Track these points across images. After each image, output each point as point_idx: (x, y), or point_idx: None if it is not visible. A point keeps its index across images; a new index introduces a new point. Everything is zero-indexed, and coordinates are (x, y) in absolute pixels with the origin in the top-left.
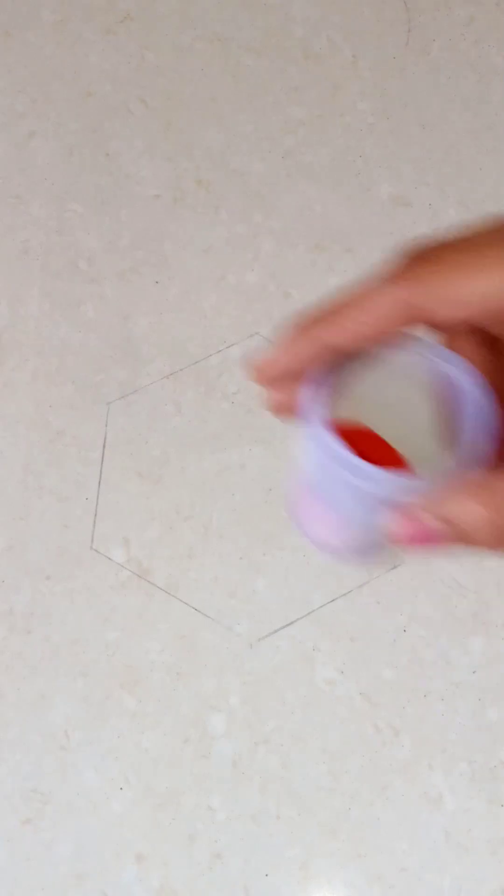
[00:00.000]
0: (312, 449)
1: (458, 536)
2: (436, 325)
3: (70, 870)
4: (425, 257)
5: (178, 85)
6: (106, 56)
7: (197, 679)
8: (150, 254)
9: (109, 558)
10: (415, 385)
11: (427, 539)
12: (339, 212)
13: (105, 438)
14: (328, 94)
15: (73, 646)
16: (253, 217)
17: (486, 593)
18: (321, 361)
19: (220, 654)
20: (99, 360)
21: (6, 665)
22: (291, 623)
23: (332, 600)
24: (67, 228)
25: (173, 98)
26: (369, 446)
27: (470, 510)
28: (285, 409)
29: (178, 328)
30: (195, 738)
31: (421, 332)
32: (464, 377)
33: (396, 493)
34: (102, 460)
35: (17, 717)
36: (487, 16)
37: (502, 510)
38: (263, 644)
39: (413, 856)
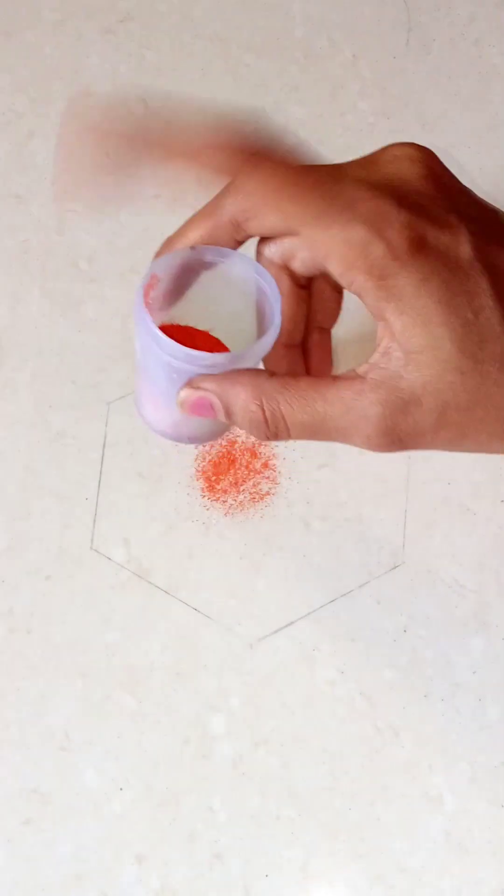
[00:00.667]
0: (139, 333)
1: (228, 415)
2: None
3: (70, 870)
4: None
5: (179, 84)
6: (106, 56)
7: (197, 679)
8: (150, 254)
9: (109, 558)
10: (239, 293)
11: (206, 411)
12: None
13: (105, 438)
14: (328, 93)
15: (73, 646)
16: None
17: (487, 593)
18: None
19: (220, 655)
20: (99, 360)
21: (6, 665)
22: (291, 623)
23: (332, 600)
24: (67, 228)
25: (173, 98)
26: (197, 341)
27: (237, 395)
28: None
29: None
30: (195, 739)
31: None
32: (271, 291)
33: (190, 366)
34: (102, 460)
35: (17, 717)
36: (488, 15)
37: (262, 405)
38: (263, 644)
39: (413, 856)
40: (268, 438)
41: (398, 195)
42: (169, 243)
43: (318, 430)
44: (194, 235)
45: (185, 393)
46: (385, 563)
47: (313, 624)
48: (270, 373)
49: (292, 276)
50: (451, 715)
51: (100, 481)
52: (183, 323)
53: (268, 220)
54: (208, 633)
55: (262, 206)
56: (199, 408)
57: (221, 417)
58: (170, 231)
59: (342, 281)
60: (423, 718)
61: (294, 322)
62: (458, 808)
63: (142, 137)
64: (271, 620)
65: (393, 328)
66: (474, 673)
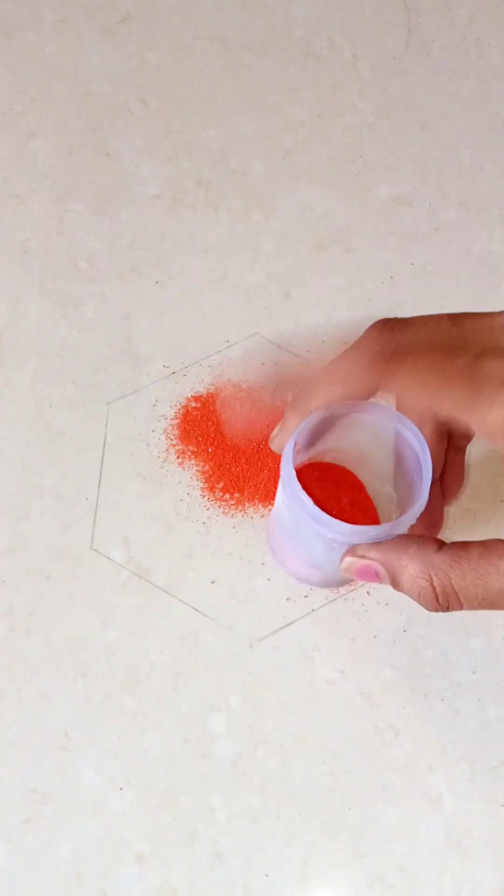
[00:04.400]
0: (286, 497)
1: (394, 584)
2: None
3: (70, 869)
4: (399, 353)
5: (179, 85)
6: (106, 56)
7: (197, 679)
8: (150, 254)
9: (109, 558)
10: (378, 438)
11: (370, 577)
12: (339, 212)
13: (105, 438)
14: (328, 93)
15: (73, 646)
16: (253, 217)
17: None
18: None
19: (220, 654)
20: (99, 360)
21: (6, 665)
22: (291, 623)
23: (332, 600)
24: (67, 228)
25: (173, 98)
26: (337, 479)
27: (404, 568)
28: None
29: (178, 328)
30: (195, 738)
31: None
32: (420, 446)
33: (350, 538)
34: (102, 460)
35: (17, 717)
36: (488, 16)
37: (431, 579)
38: (263, 644)
39: (413, 855)
40: (438, 611)
41: None
42: (302, 405)
43: (492, 603)
44: (327, 398)
45: (350, 561)
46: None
47: (313, 624)
48: (438, 543)
49: (436, 422)
50: (450, 715)
51: (100, 481)
52: (319, 458)
53: (416, 412)
54: (208, 632)
55: (410, 403)
56: (364, 574)
57: (387, 584)
58: (170, 231)
59: None
60: (422, 718)
61: (437, 457)
62: (458, 808)
63: (281, 385)
64: (271, 620)
65: None
66: (474, 673)
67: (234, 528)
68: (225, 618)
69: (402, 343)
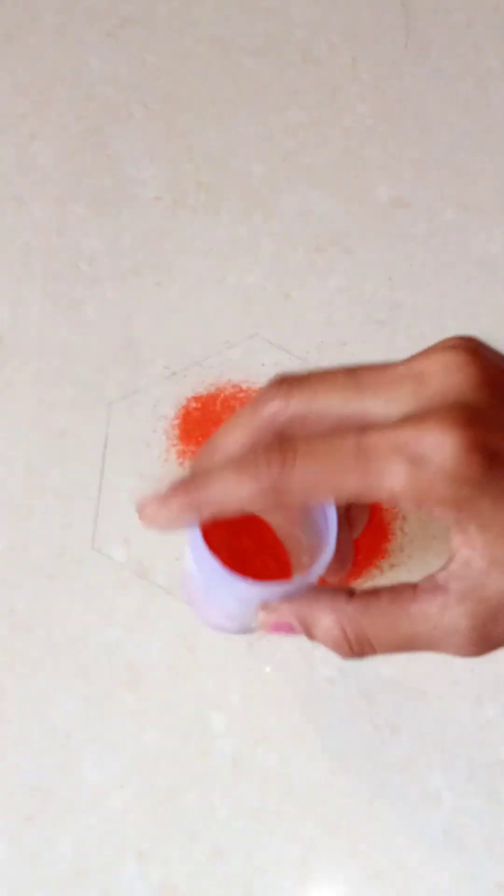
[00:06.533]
0: (198, 561)
1: (308, 635)
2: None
3: (70, 867)
4: (293, 441)
5: (179, 87)
6: (107, 59)
7: (197, 678)
8: (150, 255)
9: (110, 558)
10: None
11: (285, 630)
12: (339, 213)
13: (106, 438)
14: (328, 96)
15: (75, 644)
16: (253, 219)
17: None
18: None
19: (220, 653)
20: (100, 361)
21: (7, 663)
22: None
23: None
24: (69, 230)
25: (174, 101)
26: (246, 525)
27: (317, 620)
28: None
29: (178, 329)
30: (196, 736)
31: None
32: (328, 507)
33: (262, 595)
34: (104, 460)
35: (19, 715)
36: (485, 20)
37: (344, 628)
38: (263, 643)
39: (412, 853)
40: (351, 658)
41: (457, 417)
42: (214, 495)
43: (405, 647)
44: (237, 502)
45: (264, 617)
46: (384, 562)
47: None
48: (349, 592)
49: None
50: (449, 713)
51: (101, 481)
52: None
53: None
54: (209, 631)
55: (310, 500)
56: (279, 628)
57: (301, 635)
58: (170, 233)
59: (419, 512)
60: (421, 716)
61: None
62: (456, 806)
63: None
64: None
65: (475, 543)
66: (472, 671)
67: None
68: None
69: (297, 412)
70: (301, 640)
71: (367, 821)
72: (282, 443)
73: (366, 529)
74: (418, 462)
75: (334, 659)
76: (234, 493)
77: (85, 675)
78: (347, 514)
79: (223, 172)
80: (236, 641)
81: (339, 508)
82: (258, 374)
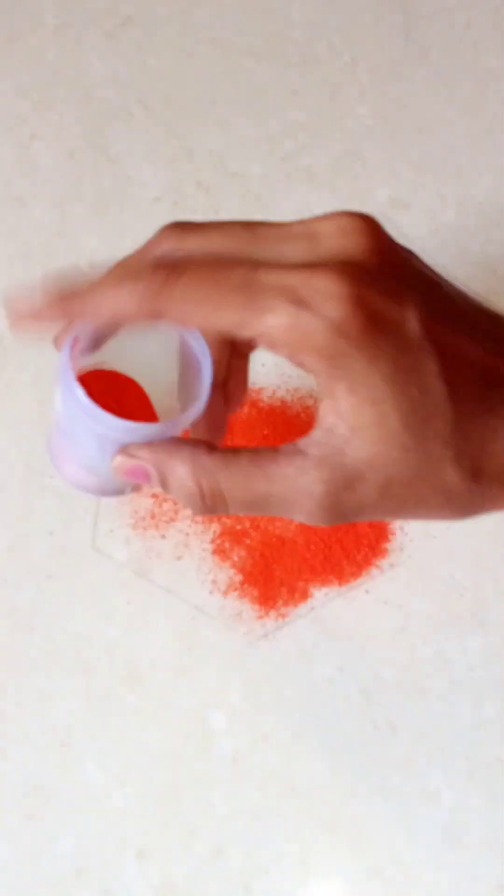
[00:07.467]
0: (62, 393)
1: (163, 485)
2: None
3: (71, 865)
4: (181, 266)
5: (179, 89)
6: (107, 60)
7: (197, 677)
8: None
9: (111, 557)
10: (165, 346)
11: (140, 477)
12: None
13: None
14: (327, 97)
15: (75, 644)
16: (252, 219)
17: (484, 592)
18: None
19: (220, 652)
20: None
21: (8, 662)
22: (291, 621)
23: (332, 600)
24: (69, 231)
25: (174, 101)
26: (121, 389)
27: (174, 469)
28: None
29: None
30: (196, 735)
31: None
32: (202, 353)
33: (123, 436)
34: None
35: (19, 714)
36: (485, 20)
37: (199, 481)
38: (263, 642)
39: (411, 851)
40: (203, 513)
41: (346, 271)
42: (91, 301)
43: (258, 507)
44: (113, 309)
45: (120, 460)
46: (384, 562)
47: (313, 622)
48: (209, 447)
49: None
50: (448, 712)
51: None
52: (103, 366)
53: (197, 327)
54: (209, 630)
55: (187, 321)
56: (134, 474)
57: (156, 486)
58: None
59: (292, 362)
60: (420, 715)
61: (219, 362)
62: (456, 804)
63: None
64: (271, 619)
65: (340, 406)
66: (472, 671)
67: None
68: (225, 616)
69: (190, 251)
70: (301, 640)
71: (366, 820)
72: (169, 263)
73: (366, 530)
74: (303, 305)
75: (334, 658)
76: (111, 301)
77: (85, 674)
78: (225, 386)
79: (223, 173)
80: (236, 641)
81: (217, 377)
82: (258, 374)
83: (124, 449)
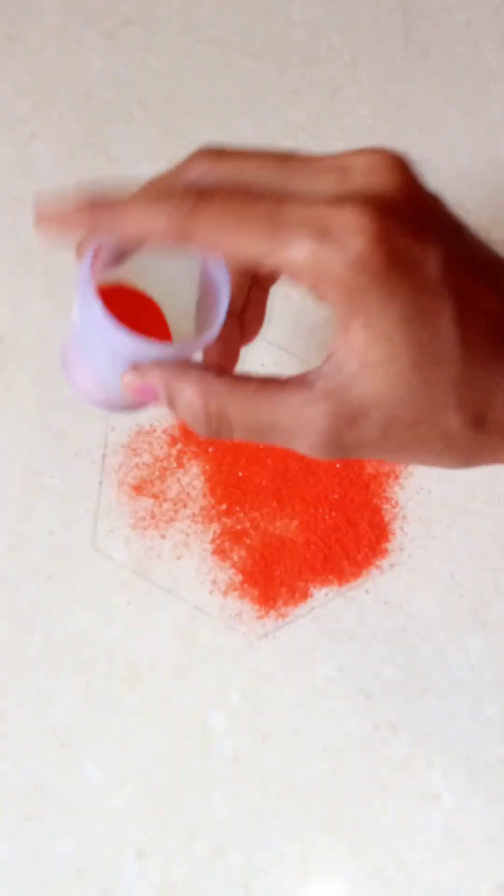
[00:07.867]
0: (79, 303)
1: (171, 405)
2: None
3: (71, 865)
4: (209, 193)
5: (179, 88)
6: (107, 59)
7: (197, 677)
8: None
9: (110, 557)
10: (186, 270)
11: (149, 396)
12: None
13: (106, 438)
14: (327, 97)
15: (75, 644)
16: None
17: (485, 592)
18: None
19: (220, 653)
20: None
21: (8, 663)
22: (291, 621)
23: (332, 600)
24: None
25: (174, 101)
26: (139, 308)
27: (182, 390)
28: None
29: None
30: (196, 735)
31: None
32: (222, 280)
33: (135, 352)
34: (104, 460)
35: (19, 714)
36: (485, 20)
37: (207, 403)
38: (263, 642)
39: (412, 852)
40: (208, 436)
41: (372, 206)
42: (122, 214)
43: (262, 434)
44: (142, 226)
45: (131, 377)
46: (384, 562)
47: (313, 623)
48: (220, 370)
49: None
50: (448, 712)
51: (101, 481)
52: (123, 283)
53: (222, 256)
54: (209, 630)
55: (212, 247)
56: (143, 393)
57: (163, 405)
58: None
59: (313, 294)
60: (421, 716)
61: (239, 291)
62: (456, 805)
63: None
64: (271, 619)
65: (353, 341)
66: (472, 671)
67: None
68: (225, 616)
69: (221, 177)
70: (301, 640)
71: (367, 820)
72: (200, 188)
73: (366, 530)
74: (326, 238)
75: (334, 659)
76: (141, 217)
77: (85, 674)
78: (242, 316)
79: None
80: (236, 641)
81: (235, 305)
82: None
83: (135, 366)
